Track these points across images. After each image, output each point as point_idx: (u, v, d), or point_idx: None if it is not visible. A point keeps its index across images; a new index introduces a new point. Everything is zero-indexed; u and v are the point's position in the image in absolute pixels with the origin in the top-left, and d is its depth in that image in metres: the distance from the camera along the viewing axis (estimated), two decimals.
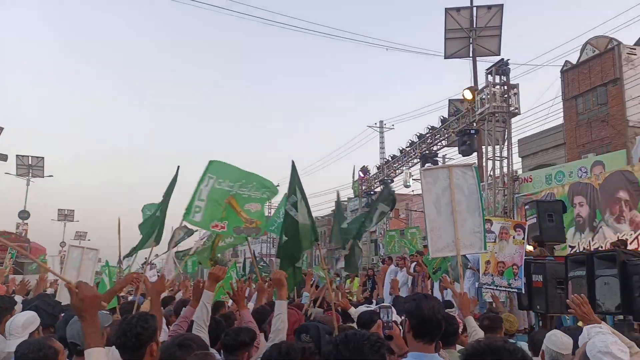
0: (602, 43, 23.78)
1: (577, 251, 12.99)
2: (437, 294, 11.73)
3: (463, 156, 16.98)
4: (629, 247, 10.73)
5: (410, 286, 13.93)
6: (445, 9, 20.21)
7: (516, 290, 9.24)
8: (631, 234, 12.58)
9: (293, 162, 5.66)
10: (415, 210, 33.04)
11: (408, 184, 21.50)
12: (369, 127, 35.22)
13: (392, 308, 5.52)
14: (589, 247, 13.32)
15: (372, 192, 24.07)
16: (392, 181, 22.35)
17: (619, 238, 12.19)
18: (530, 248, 11.09)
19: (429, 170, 5.65)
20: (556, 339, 3.65)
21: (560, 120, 25.10)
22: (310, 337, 3.43)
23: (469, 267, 10.57)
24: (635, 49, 22.79)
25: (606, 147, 21.65)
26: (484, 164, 15.89)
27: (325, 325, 3.82)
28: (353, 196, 29.04)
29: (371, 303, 8.58)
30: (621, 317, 7.72)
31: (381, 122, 34.62)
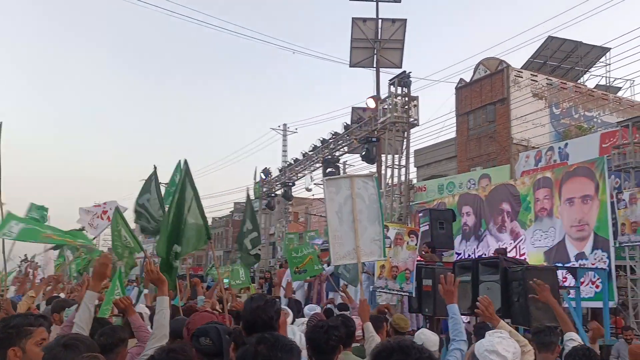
0: (493, 64, 25.54)
1: (463, 258, 13.76)
2: (331, 295, 11.92)
3: (365, 163, 17.45)
4: (509, 255, 11.51)
5: (306, 289, 14.03)
6: (353, 18, 20.72)
7: (407, 294, 9.59)
8: (511, 243, 13.53)
9: (186, 161, 5.69)
10: (315, 214, 33.44)
11: (309, 187, 21.72)
12: (273, 129, 35.23)
13: (289, 310, 5.53)
14: (473, 254, 14.15)
15: (273, 194, 24.01)
16: (294, 184, 22.44)
17: (500, 247, 13.06)
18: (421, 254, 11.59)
19: (332, 180, 5.75)
20: (424, 337, 3.94)
21: (453, 134, 26.61)
22: (211, 340, 3.30)
23: (364, 271, 10.82)
24: (522, 72, 24.71)
25: (492, 161, 23.23)
26: (383, 171, 16.41)
27: (224, 326, 3.71)
28: (254, 198, 28.81)
29: None
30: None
31: (285, 125, 34.80)
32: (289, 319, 5.04)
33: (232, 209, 52.95)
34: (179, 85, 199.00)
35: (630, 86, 27.00)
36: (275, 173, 24.03)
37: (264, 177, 24.44)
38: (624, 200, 11.25)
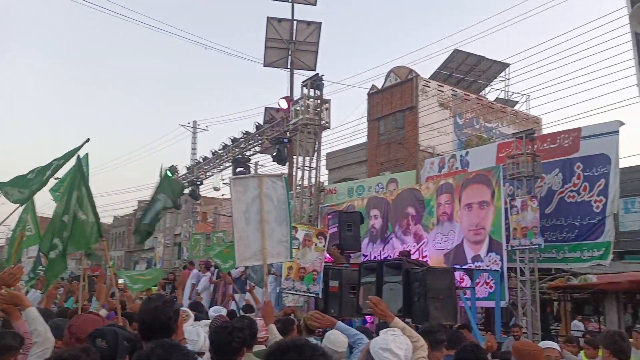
0: (403, 73, 26.44)
1: (370, 259, 14.11)
2: (237, 297, 11.75)
3: (276, 164, 17.39)
4: (412, 258, 11.94)
5: (212, 291, 13.77)
6: (268, 17, 20.63)
7: (314, 295, 9.65)
8: (415, 246, 14.06)
9: (79, 156, 5.48)
10: (224, 215, 32.91)
11: (218, 187, 21.27)
12: (182, 126, 34.27)
13: (189, 311, 5.37)
14: (379, 256, 14.54)
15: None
16: (202, 183, 21.90)
17: (404, 249, 13.52)
18: (328, 256, 11.72)
19: (239, 179, 5.65)
20: (333, 338, 3.98)
21: (364, 139, 27.23)
22: (106, 343, 3.12)
23: (272, 272, 10.76)
24: (430, 82, 25.77)
25: (400, 166, 24.01)
26: (294, 173, 16.43)
27: (125, 331, 3.50)
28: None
29: None
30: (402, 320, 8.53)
31: (195, 122, 33.97)
32: (190, 321, 4.91)
33: (136, 207, 50.95)
34: (85, 76, 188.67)
35: (526, 100, 28.97)
36: (182, 171, 23.31)
37: (170, 175, 23.61)
38: (516, 206, 12.03)
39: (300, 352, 1.55)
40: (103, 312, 5.78)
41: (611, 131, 12.08)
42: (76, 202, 5.19)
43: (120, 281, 11.19)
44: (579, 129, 12.90)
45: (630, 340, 5.35)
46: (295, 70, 20.77)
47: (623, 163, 12.91)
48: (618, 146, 11.94)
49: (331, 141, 39.82)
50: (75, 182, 5.27)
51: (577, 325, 12.87)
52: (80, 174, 5.32)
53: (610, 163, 11.85)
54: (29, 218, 6.40)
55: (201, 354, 3.89)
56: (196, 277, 13.82)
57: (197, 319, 5.34)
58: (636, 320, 13.87)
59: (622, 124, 12.09)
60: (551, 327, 14.66)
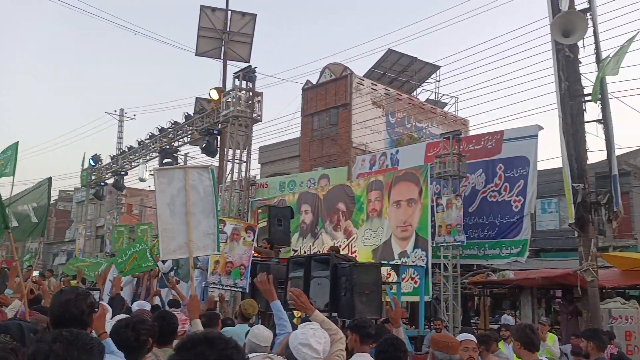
0: (338, 69, 26.63)
1: (300, 254, 14.12)
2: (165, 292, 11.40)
3: (206, 156, 17.00)
4: (342, 253, 12.03)
5: (134, 285, 13.37)
6: (201, 6, 20.11)
7: (241, 290, 9.53)
8: (344, 241, 14.20)
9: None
10: (151, 207, 31.93)
11: (144, 178, 20.52)
12: (108, 113, 32.91)
13: (108, 306, 5.16)
14: (309, 251, 14.58)
15: (102, 183, 22.33)
16: (127, 173, 21.09)
17: (334, 245, 13.63)
18: (258, 250, 11.62)
19: (163, 170, 5.48)
20: (258, 332, 3.95)
21: (298, 134, 27.23)
22: (11, 337, 2.94)
23: (197, 266, 10.53)
24: (363, 80, 26.12)
25: (333, 162, 24.20)
26: (224, 166, 16.14)
27: (29, 324, 3.31)
28: (81, 185, 26.66)
29: None
30: (328, 314, 8.58)
31: (122, 110, 32.69)
32: (108, 316, 4.71)
33: (57, 197, 48.55)
34: (5, 60, 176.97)
35: (455, 102, 30.02)
36: (106, 160, 22.33)
37: (93, 164, 22.61)
38: (442, 204, 12.40)
39: (212, 345, 1.50)
40: (16, 305, 5.44)
41: (531, 135, 12.69)
42: None
43: (35, 274, 10.59)
44: (501, 132, 13.46)
45: None
46: (228, 62, 20.38)
47: (541, 165, 13.62)
48: (537, 149, 12.55)
49: (264, 135, 39.63)
50: None
51: (508, 319, 13.41)
52: None
53: (529, 165, 12.45)
54: None
55: None
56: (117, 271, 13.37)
57: (117, 313, 5.15)
58: (549, 314, 14.72)
59: (541, 128, 12.73)
60: (471, 321, 15.26)
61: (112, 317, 4.91)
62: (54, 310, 2.76)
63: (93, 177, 22.66)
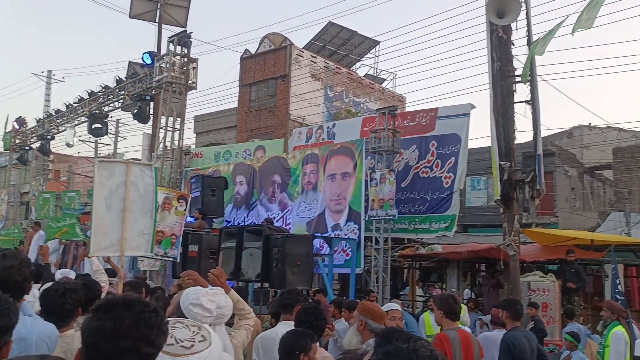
0: (278, 40, 26.21)
1: (233, 225, 13.99)
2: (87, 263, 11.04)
3: (137, 122, 16.39)
4: (277, 225, 12.02)
5: (60, 254, 12.97)
6: None
7: (172, 259, 9.37)
8: (279, 213, 14.18)
9: None
10: (79, 174, 30.61)
11: (71, 143, 19.58)
12: (35, 75, 31.00)
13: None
14: (243, 223, 14.47)
15: (27, 147, 21.16)
16: (53, 138, 20.06)
17: (269, 216, 13.59)
18: (191, 220, 11.41)
19: (105, 163, 5.29)
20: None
21: (235, 104, 26.74)
22: None
23: None
24: (303, 51, 25.85)
25: (270, 134, 24.00)
26: (157, 133, 15.63)
27: None
28: (3, 149, 25.15)
29: None
30: (259, 284, 8.59)
31: (49, 71, 30.87)
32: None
33: None
34: None
35: (393, 78, 30.36)
36: (32, 124, 21.13)
37: (17, 127, 21.35)
38: (375, 179, 12.58)
39: (130, 307, 1.50)
40: None
41: (463, 113, 13.03)
42: None
43: None
44: (435, 109, 13.74)
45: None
46: (163, 26, 19.58)
47: (472, 144, 14.04)
48: (468, 127, 12.91)
49: (201, 104, 38.66)
50: None
51: (468, 293, 13.51)
52: None
53: (461, 142, 12.80)
54: None
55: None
56: (43, 239, 12.87)
57: (42, 281, 4.94)
58: (474, 286, 15.36)
59: (473, 107, 13.09)
60: (400, 293, 15.73)
61: (41, 287, 4.71)
62: None
63: (17, 141, 21.41)
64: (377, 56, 30.05)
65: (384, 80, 30.60)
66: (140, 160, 31.75)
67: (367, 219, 12.32)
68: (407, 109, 23.54)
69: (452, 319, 4.43)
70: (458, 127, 12.92)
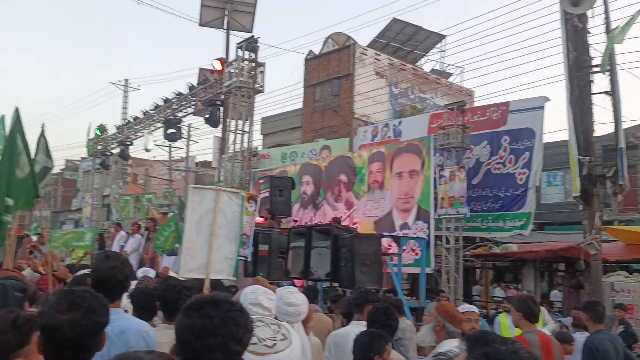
0: (341, 39, 26.24)
1: (300, 225, 14.14)
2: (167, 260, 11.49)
3: (209, 126, 16.90)
4: (343, 224, 12.04)
5: (141, 252, 13.52)
6: None
7: (243, 259, 9.58)
8: (345, 212, 14.19)
9: (17, 109, 5.20)
10: (155, 177, 31.97)
11: (149, 148, 20.50)
12: (113, 84, 32.70)
13: None
14: (310, 222, 14.59)
15: (108, 153, 22.34)
16: (132, 143, 21.05)
17: (335, 215, 13.63)
18: (260, 219, 11.63)
19: (198, 189, 5.55)
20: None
21: (300, 105, 27.01)
22: None
23: None
24: (367, 50, 25.73)
25: (335, 134, 24.05)
26: (227, 136, 16.05)
27: (15, 282, 3.35)
28: (87, 155, 26.65)
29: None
30: (329, 283, 8.62)
31: (126, 80, 32.49)
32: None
33: (63, 166, 48.77)
34: (6, 34, 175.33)
35: (460, 72, 29.61)
36: (112, 130, 22.29)
37: (99, 133, 22.57)
38: (444, 176, 12.31)
39: (217, 306, 1.56)
40: (27, 273, 5.49)
41: (537, 106, 12.50)
42: (14, 157, 4.99)
43: (34, 238, 10.69)
44: (507, 103, 13.27)
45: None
46: (231, 32, 20.13)
47: (547, 138, 13.46)
48: (543, 121, 12.38)
49: (266, 106, 39.42)
50: (14, 137, 5.05)
51: (498, 292, 13.40)
52: (18, 128, 5.10)
53: (535, 137, 12.28)
54: None
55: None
56: (124, 239, 13.51)
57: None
58: (552, 287, 14.76)
59: (547, 99, 12.53)
60: (472, 294, 15.34)
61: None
62: (99, 275, 2.83)
63: (99, 147, 22.64)
64: (444, 50, 29.47)
65: (451, 75, 29.92)
66: (210, 163, 32.76)
67: (436, 217, 12.08)
68: (476, 104, 22.89)
69: (531, 321, 4.26)
70: (532, 120, 12.41)
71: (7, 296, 3.00)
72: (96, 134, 22.72)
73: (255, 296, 2.84)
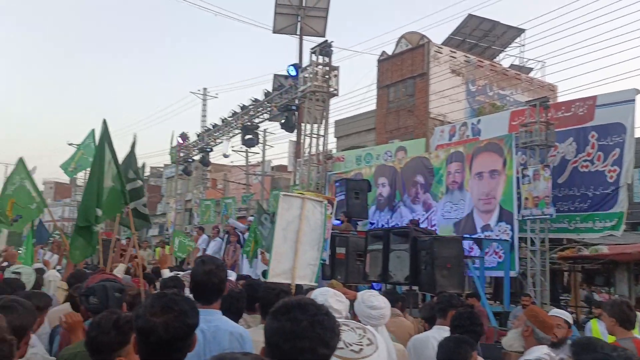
0: (415, 39, 25.87)
1: (377, 227, 14.05)
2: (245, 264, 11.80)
3: (285, 131, 17.25)
4: (421, 226, 11.85)
5: (222, 255, 13.96)
6: None
7: (321, 261, 9.65)
8: (423, 214, 13.94)
9: (104, 121, 5.49)
10: (233, 182, 32.95)
11: (227, 154, 21.23)
12: (192, 93, 34.07)
13: None
14: (386, 225, 14.47)
15: (190, 160, 23.32)
16: (212, 150, 21.86)
17: (413, 218, 13.44)
18: (337, 222, 11.69)
19: (287, 197, 5.78)
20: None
21: (374, 107, 26.88)
22: (97, 298, 3.23)
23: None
24: (442, 48, 25.20)
25: (410, 134, 23.72)
26: (302, 140, 16.28)
27: (114, 283, 3.55)
28: (170, 162, 27.94)
29: (182, 270, 8.45)
30: (408, 287, 8.51)
31: (205, 89, 33.77)
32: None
33: (148, 173, 51.30)
34: (96, 49, 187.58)
35: (541, 67, 28.35)
36: (193, 138, 23.27)
37: (181, 141, 23.61)
38: (528, 175, 11.81)
39: (304, 310, 1.58)
40: (121, 269, 5.84)
41: (627, 100, 11.73)
42: (103, 167, 5.29)
43: (122, 242, 11.30)
44: (594, 97, 12.55)
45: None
46: (304, 37, 20.41)
47: (638, 132, 12.60)
48: (634, 115, 11.60)
49: (340, 108, 39.57)
50: (102, 148, 5.34)
51: (586, 295, 12.69)
52: (106, 139, 5.40)
53: (626, 132, 11.52)
54: (28, 186, 6.41)
55: None
56: (206, 242, 14.02)
57: None
58: None
59: (638, 92, 11.74)
60: (560, 297, 14.61)
61: None
62: (196, 278, 2.95)
63: (181, 154, 23.68)
64: (523, 45, 28.34)
65: (531, 69, 28.72)
66: (286, 167, 33.33)
67: (520, 218, 11.62)
68: (560, 99, 21.82)
69: (626, 327, 4.01)
70: (622, 115, 11.64)
71: (107, 297, 3.18)
72: (178, 141, 23.77)
73: (325, 298, 2.85)
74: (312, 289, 6.68)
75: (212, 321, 2.75)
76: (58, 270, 7.34)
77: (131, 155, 6.09)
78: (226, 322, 2.89)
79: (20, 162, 6.60)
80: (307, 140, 15.37)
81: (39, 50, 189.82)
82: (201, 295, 2.87)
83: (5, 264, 8.54)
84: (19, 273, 5.05)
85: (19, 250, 10.82)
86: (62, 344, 3.46)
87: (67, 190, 52.24)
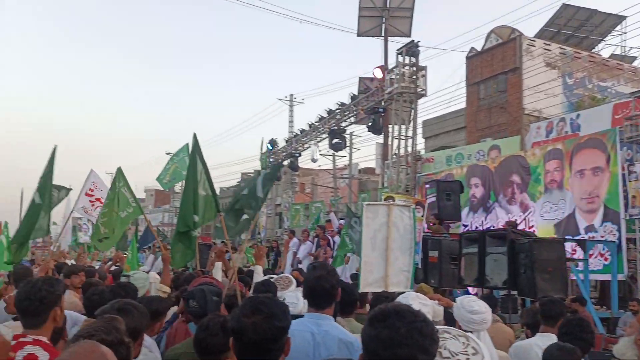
0: (505, 33, 24.90)
1: (471, 229, 13.64)
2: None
3: (372, 134, 17.22)
4: (519, 228, 11.37)
5: (313, 258, 14.15)
6: None
7: (414, 265, 9.53)
8: (520, 215, 13.37)
9: (195, 135, 5.82)
10: (321, 185, 33.35)
11: (315, 158, 21.53)
12: (279, 100, 34.89)
13: (293, 278, 5.59)
14: (481, 227, 14.01)
15: (279, 164, 23.92)
16: (300, 155, 22.28)
17: (510, 219, 12.92)
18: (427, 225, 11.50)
19: (371, 206, 5.88)
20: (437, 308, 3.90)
21: (463, 105, 26.16)
22: (197, 302, 3.42)
23: None
24: (535, 41, 24.07)
25: (503, 132, 22.84)
26: (389, 142, 16.19)
27: (212, 287, 3.73)
28: (260, 168, 28.81)
29: (274, 273, 8.68)
30: (507, 292, 8.18)
31: (291, 95, 34.42)
32: (292, 287, 5.15)
33: (239, 179, 53.04)
34: (186, 58, 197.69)
35: None
36: (281, 144, 23.85)
37: (270, 147, 24.29)
38: (635, 172, 11.02)
39: (401, 317, 1.58)
40: (218, 267, 6.12)
41: None
42: (196, 178, 5.59)
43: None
44: None
45: None
46: (389, 38, 20.28)
47: None
48: None
49: (427, 108, 38.79)
50: (194, 160, 5.66)
51: None
52: (197, 152, 5.71)
53: None
54: (125, 192, 6.87)
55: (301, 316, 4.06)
56: (296, 246, 14.28)
57: (298, 285, 5.52)
58: None
59: None
60: None
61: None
62: (308, 284, 3.01)
63: (271, 160, 24.35)
64: (625, 33, 26.43)
65: (635, 58, 26.72)
66: (374, 169, 33.25)
67: (627, 218, 10.84)
68: None
69: None
70: None
71: (206, 300, 3.33)
72: (268, 148, 24.46)
73: (407, 301, 2.83)
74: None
75: (322, 325, 2.79)
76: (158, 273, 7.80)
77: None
78: (336, 328, 2.91)
79: (119, 171, 7.09)
80: (395, 142, 15.25)
81: (136, 71, 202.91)
82: (313, 300, 2.94)
83: (113, 268, 9.23)
84: (128, 276, 5.42)
85: (125, 254, 11.66)
86: (167, 345, 3.67)
87: (167, 197, 55.27)
